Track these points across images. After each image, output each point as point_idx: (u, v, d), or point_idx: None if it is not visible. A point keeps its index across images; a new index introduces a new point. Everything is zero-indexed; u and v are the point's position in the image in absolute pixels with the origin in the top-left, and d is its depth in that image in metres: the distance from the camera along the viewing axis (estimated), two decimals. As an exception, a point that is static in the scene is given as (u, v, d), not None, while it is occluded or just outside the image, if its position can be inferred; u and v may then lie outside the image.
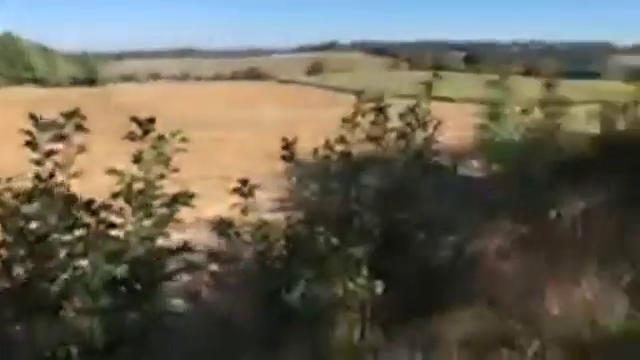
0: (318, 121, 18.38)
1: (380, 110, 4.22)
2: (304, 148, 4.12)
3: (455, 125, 6.66)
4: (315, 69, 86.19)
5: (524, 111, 5.89)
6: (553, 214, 5.52)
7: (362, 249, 3.72)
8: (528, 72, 47.86)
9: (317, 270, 3.64)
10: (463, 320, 4.40)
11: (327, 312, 3.68)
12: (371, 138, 4.31)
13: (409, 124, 4.47)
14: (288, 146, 3.98)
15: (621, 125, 8.33)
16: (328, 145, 4.05)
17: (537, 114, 5.76)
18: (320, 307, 3.62)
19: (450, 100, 28.33)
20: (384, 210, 3.93)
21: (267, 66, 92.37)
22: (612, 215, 6.66)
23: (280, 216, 4.04)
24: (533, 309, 4.64)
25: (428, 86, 4.40)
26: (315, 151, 4.06)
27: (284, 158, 3.99)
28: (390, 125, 4.46)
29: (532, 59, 69.54)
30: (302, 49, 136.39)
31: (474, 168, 6.53)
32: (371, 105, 4.34)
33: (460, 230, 5.09)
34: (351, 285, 3.72)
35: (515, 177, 5.69)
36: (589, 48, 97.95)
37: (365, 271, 3.76)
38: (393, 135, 4.46)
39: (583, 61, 69.37)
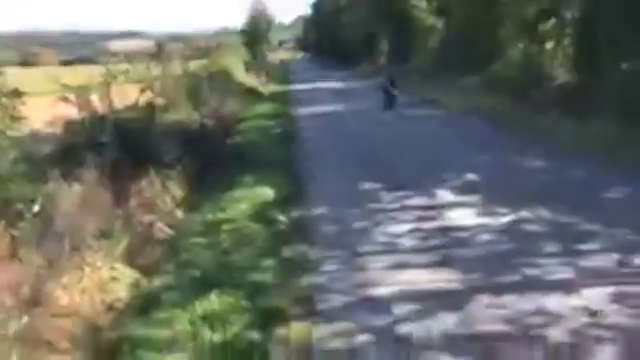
0: None
1: None
2: None
3: None
4: None
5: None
6: (36, 208, 5.34)
7: None
8: (25, 62, 46.09)
9: None
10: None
11: None
12: None
13: None
14: None
15: (100, 106, 8.81)
16: None
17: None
18: None
19: None
20: None
21: None
22: (108, 185, 7.07)
23: None
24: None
25: None
26: None
27: None
28: None
29: (31, 49, 65.72)
30: None
31: None
32: None
33: None
34: None
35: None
36: (86, 35, 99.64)
37: None
38: None
39: (80, 48, 70.55)
